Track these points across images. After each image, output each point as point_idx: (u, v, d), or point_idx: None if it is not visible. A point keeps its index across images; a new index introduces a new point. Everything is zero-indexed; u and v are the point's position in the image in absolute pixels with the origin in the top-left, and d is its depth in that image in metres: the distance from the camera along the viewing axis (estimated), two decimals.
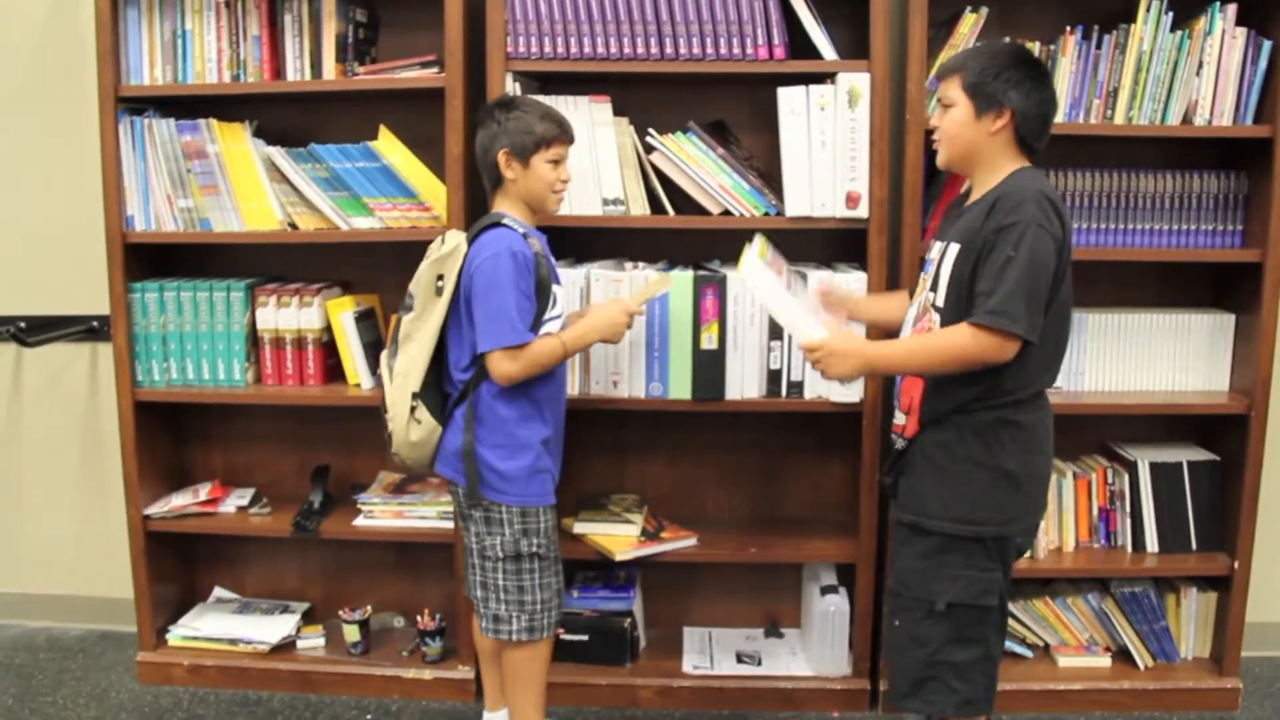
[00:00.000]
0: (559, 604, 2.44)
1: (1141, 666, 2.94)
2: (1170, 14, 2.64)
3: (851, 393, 2.15)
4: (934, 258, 2.19)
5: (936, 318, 2.14)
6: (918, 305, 2.24)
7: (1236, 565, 2.84)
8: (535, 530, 2.37)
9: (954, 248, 2.11)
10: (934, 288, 2.16)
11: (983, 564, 2.14)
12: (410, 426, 2.36)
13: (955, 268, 2.10)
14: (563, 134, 2.36)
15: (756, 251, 2.32)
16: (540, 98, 2.66)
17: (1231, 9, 2.64)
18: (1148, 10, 2.64)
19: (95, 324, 3.16)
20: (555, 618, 2.43)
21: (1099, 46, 2.67)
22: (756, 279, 2.25)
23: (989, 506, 2.12)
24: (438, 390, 2.39)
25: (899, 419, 2.24)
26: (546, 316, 2.34)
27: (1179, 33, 2.65)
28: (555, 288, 2.37)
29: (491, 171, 2.37)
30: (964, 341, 2.03)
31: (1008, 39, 2.67)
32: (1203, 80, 2.68)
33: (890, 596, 2.24)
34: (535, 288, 2.29)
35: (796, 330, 2.22)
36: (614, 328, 2.39)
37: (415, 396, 2.36)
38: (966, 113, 2.11)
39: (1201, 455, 2.92)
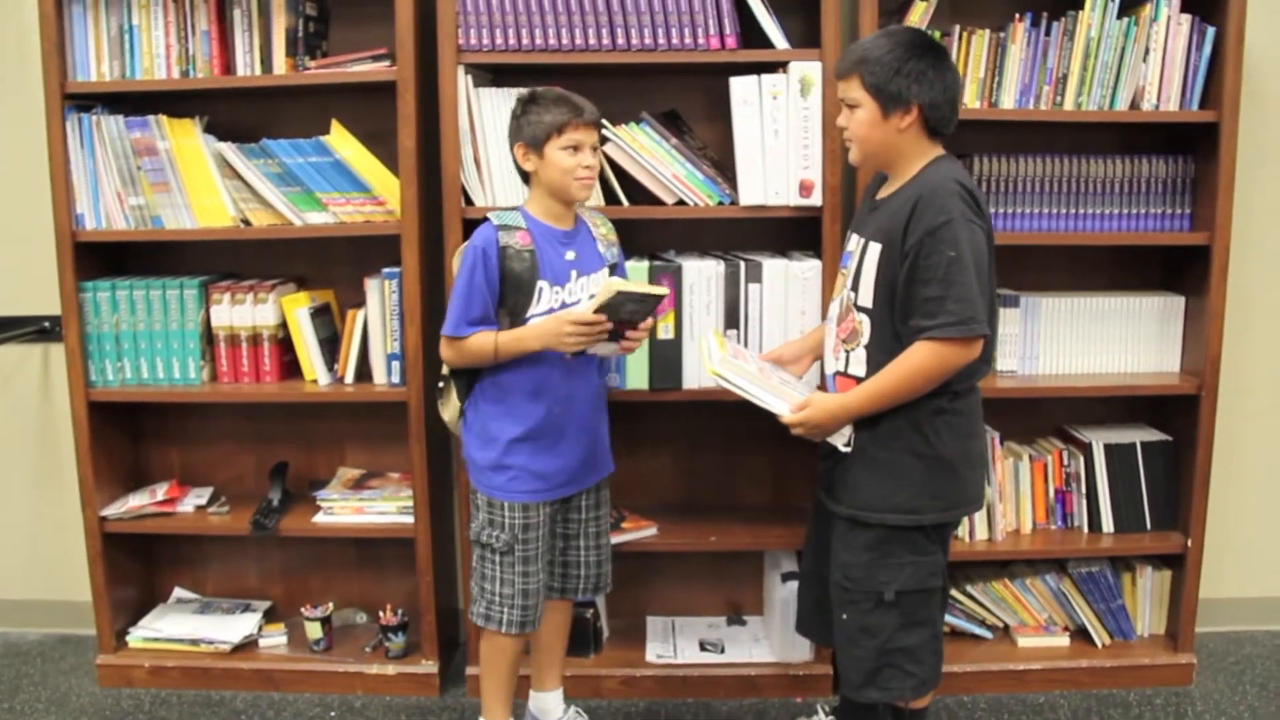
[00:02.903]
0: (525, 606, 2.42)
1: (1099, 645, 2.98)
2: (1117, 1, 2.67)
3: (843, 438, 2.16)
4: (853, 251, 2.20)
5: (864, 319, 2.14)
6: (839, 303, 2.23)
7: (1190, 543, 2.88)
8: (500, 524, 2.40)
9: (875, 247, 2.11)
10: (855, 286, 2.16)
11: (925, 549, 2.16)
12: (440, 406, 2.55)
13: (880, 270, 2.10)
14: (577, 118, 2.31)
15: (715, 346, 2.32)
16: (492, 90, 2.67)
17: None
18: None
19: (47, 324, 3.12)
20: (517, 617, 2.42)
21: (1048, 34, 2.70)
22: (729, 374, 2.22)
23: (928, 495, 2.14)
24: (472, 376, 2.44)
25: None
26: (530, 313, 2.34)
27: (1126, 19, 2.68)
28: (545, 284, 2.33)
29: (516, 167, 2.39)
30: (937, 358, 2.04)
31: (958, 26, 2.70)
32: (1149, 66, 2.71)
33: (836, 590, 2.24)
34: (504, 280, 2.32)
35: (776, 409, 2.20)
36: (553, 337, 2.29)
37: (444, 379, 2.50)
38: (872, 113, 2.10)
39: (1154, 435, 2.97)
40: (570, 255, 2.39)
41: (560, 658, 2.68)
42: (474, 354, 2.34)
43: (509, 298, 2.34)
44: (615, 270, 2.49)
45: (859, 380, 2.16)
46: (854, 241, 2.21)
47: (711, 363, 2.25)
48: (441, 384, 2.52)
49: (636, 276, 2.69)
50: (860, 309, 2.15)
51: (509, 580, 2.41)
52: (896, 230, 2.07)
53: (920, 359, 2.05)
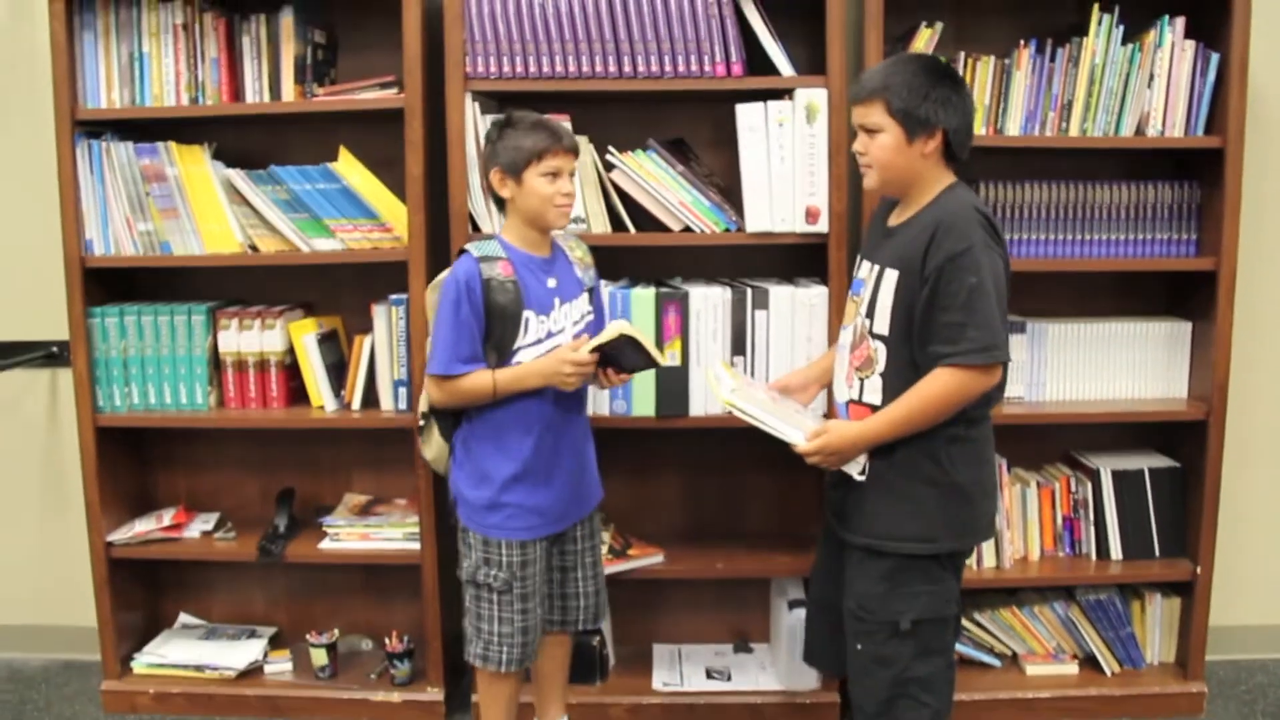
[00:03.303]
0: (525, 643, 2.40)
1: (1108, 673, 2.96)
2: (1121, 27, 2.68)
3: (859, 466, 2.15)
4: (865, 279, 2.19)
5: (880, 347, 2.13)
6: (853, 331, 2.21)
7: (1199, 570, 2.86)
8: (496, 563, 2.36)
9: (891, 274, 2.10)
10: (869, 313, 2.15)
11: (940, 578, 2.15)
12: (422, 444, 2.49)
13: (898, 296, 2.09)
14: (557, 144, 2.28)
15: (725, 376, 2.31)
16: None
17: (1180, 22, 2.69)
18: (1099, 23, 2.67)
19: (55, 349, 3.13)
20: (516, 655, 2.39)
21: (1052, 60, 2.71)
22: (742, 404, 2.21)
23: (943, 523, 2.13)
24: (458, 412, 2.39)
25: None
26: (517, 345, 2.31)
27: (1130, 45, 2.69)
28: (531, 314, 2.30)
29: (491, 193, 2.35)
30: (958, 385, 2.03)
31: (963, 53, 2.71)
32: (1154, 92, 2.72)
33: (851, 620, 2.22)
34: (490, 314, 2.27)
35: (792, 438, 2.19)
36: (554, 376, 2.28)
37: (424, 416, 2.45)
38: (897, 138, 2.09)
39: (1162, 462, 2.95)
40: (552, 283, 2.36)
41: (562, 688, 2.67)
42: (469, 394, 2.30)
43: (495, 331, 2.29)
44: (593, 294, 2.48)
45: (874, 408, 2.15)
46: (866, 269, 2.20)
47: (723, 392, 2.24)
48: (422, 422, 2.47)
49: (644, 304, 2.70)
50: (876, 336, 2.14)
51: (507, 619, 2.38)
52: (915, 257, 2.06)
53: (941, 385, 2.04)
